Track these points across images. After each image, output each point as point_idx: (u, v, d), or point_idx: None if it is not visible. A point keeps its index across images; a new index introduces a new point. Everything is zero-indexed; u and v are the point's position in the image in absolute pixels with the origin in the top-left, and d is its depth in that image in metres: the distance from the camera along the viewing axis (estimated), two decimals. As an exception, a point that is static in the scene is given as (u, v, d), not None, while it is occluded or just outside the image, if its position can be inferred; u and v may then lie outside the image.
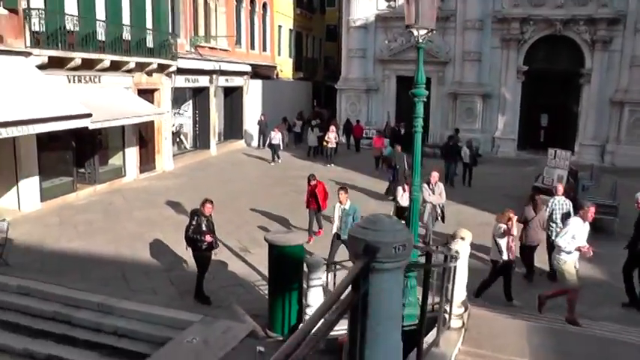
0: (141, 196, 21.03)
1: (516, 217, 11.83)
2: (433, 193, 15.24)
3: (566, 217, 12.88)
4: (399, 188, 15.78)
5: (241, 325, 10.71)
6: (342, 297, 3.30)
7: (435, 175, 15.45)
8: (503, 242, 11.47)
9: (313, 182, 15.95)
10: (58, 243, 15.48)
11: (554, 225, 13.23)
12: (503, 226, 11.45)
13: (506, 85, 33.32)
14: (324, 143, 29.03)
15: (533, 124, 34.34)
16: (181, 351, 9.76)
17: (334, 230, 13.31)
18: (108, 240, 15.77)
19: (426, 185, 15.07)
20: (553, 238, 12.34)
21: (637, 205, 11.98)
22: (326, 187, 16.63)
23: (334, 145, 28.57)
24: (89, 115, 17.21)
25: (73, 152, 20.33)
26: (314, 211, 15.98)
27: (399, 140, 26.71)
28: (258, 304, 11.43)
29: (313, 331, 2.98)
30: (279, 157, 28.64)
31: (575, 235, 10.31)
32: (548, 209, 13.47)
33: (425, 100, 8.70)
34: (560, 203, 13.57)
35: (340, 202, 13.26)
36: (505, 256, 11.51)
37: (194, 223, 11.59)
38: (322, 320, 3.07)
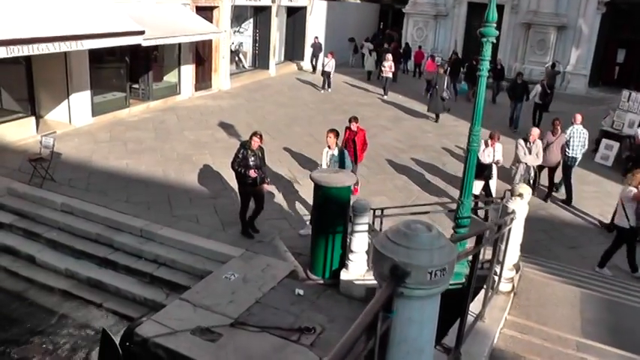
0: (194, 115, 20.66)
1: None
2: (529, 153, 13.40)
3: (582, 145, 14.68)
4: (482, 142, 13.02)
5: (282, 264, 10.35)
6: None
7: (534, 133, 13.56)
8: (631, 207, 10.51)
9: (354, 127, 13.61)
10: (106, 160, 15.33)
11: (569, 151, 14.54)
12: (634, 190, 10.48)
13: (584, 17, 31.21)
14: (380, 72, 27.80)
15: (609, 59, 32.34)
16: (219, 287, 9.44)
17: None
18: (156, 160, 15.54)
19: (522, 142, 13.47)
20: (568, 163, 14.52)
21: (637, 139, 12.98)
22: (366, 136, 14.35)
23: (389, 75, 26.82)
24: (141, 33, 16.68)
25: (126, 67, 19.95)
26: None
27: (457, 71, 28.13)
28: (302, 242, 11.03)
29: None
30: (329, 86, 27.10)
31: None
32: (566, 136, 14.61)
33: (494, 41, 7.77)
34: (579, 132, 14.75)
35: (329, 147, 11.96)
36: (633, 223, 10.55)
37: (240, 156, 11.06)
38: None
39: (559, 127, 14.52)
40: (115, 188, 13.48)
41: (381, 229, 10.05)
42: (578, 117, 15.02)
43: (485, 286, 6.93)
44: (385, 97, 26.29)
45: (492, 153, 12.95)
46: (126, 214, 12.17)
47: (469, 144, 8.28)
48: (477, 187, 12.26)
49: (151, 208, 12.57)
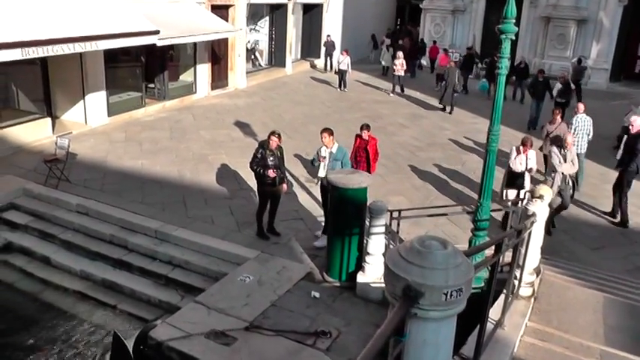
0: (210, 114, 20.60)
1: None
2: (565, 161, 12.19)
3: (587, 134, 14.87)
4: (513, 149, 12.42)
5: (298, 266, 10.24)
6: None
7: (569, 139, 12.42)
8: None
9: (365, 135, 12.60)
10: (121, 160, 15.33)
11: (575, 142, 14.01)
12: None
13: (605, 10, 30.73)
14: (392, 69, 27.41)
15: (630, 53, 31.85)
16: (234, 289, 9.36)
17: (321, 174, 11.40)
18: (171, 160, 15.51)
19: (555, 149, 12.25)
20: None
21: (631, 127, 13.03)
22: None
23: (400, 73, 26.16)
24: (156, 32, 16.64)
25: (142, 67, 19.95)
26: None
27: (469, 66, 28.64)
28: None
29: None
30: (345, 86, 26.60)
31: None
32: (572, 127, 14.68)
33: (513, 38, 7.58)
34: (583, 121, 14.93)
35: (325, 146, 11.34)
36: None
37: (258, 156, 10.95)
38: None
39: (558, 117, 14.73)
40: (130, 189, 13.47)
41: (398, 231, 9.91)
42: (581, 106, 15.41)
43: (504, 291, 6.76)
44: (391, 95, 25.86)
45: (525, 161, 12.13)
46: (141, 215, 12.15)
47: (488, 144, 8.08)
48: (510, 196, 11.95)
49: (165, 209, 12.53)
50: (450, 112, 22.75)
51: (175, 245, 11.28)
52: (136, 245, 11.43)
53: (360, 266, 9.48)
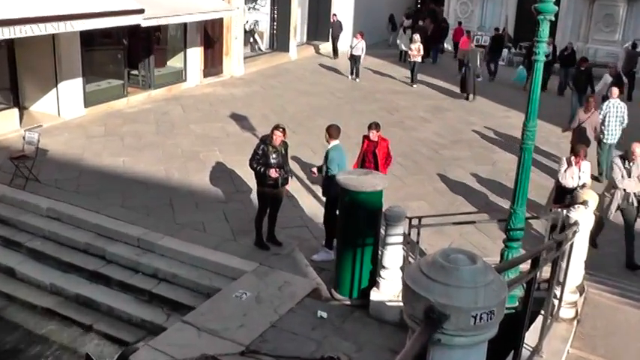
0: (202, 105, 20.64)
1: None
2: (629, 176, 11.43)
3: (620, 122, 15.42)
4: (563, 160, 11.92)
5: (302, 281, 10.25)
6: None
7: (636, 150, 11.42)
8: None
9: (374, 136, 12.07)
10: (100, 158, 15.36)
11: (604, 128, 15.34)
12: None
13: (660, -14, 30.68)
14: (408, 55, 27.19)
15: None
16: (228, 307, 9.38)
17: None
18: (157, 158, 15.54)
19: (618, 161, 11.54)
20: (604, 142, 15.39)
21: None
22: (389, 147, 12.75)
23: (417, 59, 25.81)
24: (141, 11, 16.66)
25: (124, 51, 19.97)
26: None
27: (498, 49, 28.94)
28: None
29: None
30: (357, 74, 26.42)
31: None
32: (601, 113, 15.34)
33: (552, 19, 7.51)
34: (615, 107, 15.45)
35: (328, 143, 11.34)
36: None
37: (259, 153, 10.93)
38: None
39: (593, 105, 15.38)
40: (109, 190, 13.47)
41: (418, 242, 9.86)
42: (615, 90, 16.07)
43: (543, 312, 6.71)
44: (414, 86, 25.76)
45: (577, 174, 11.65)
46: (121, 220, 12.14)
47: (523, 141, 8.02)
48: None
49: (150, 213, 12.53)
50: (468, 99, 23.06)
51: (161, 256, 11.26)
52: (115, 255, 11.42)
53: (373, 282, 9.46)
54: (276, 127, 11.08)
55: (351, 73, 26.51)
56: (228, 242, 11.51)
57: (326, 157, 11.11)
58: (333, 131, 11.19)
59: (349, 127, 17.08)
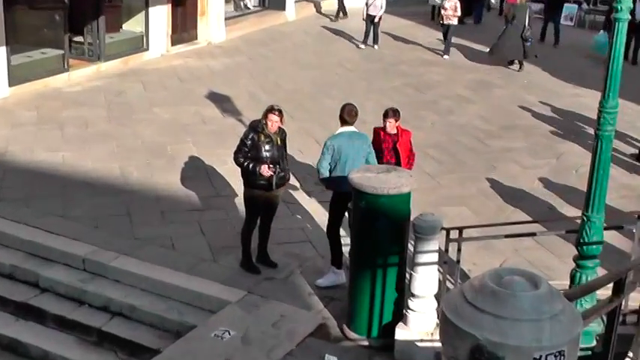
0: (169, 82, 20.86)
1: None
2: None
3: None
4: None
5: (304, 315, 10.27)
6: None
7: None
8: None
9: (391, 127, 11.81)
10: (31, 153, 15.48)
11: None
12: None
13: None
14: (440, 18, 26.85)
15: None
16: (204, 351, 9.42)
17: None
18: (109, 152, 15.65)
19: None
20: None
21: None
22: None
23: (452, 21, 25.55)
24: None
25: (64, 11, 20.01)
26: None
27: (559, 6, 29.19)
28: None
29: None
30: (376, 40, 26.39)
31: None
32: None
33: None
34: None
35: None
36: None
37: (248, 143, 10.92)
38: None
39: None
40: (44, 196, 13.52)
41: (458, 261, 9.82)
42: None
43: (631, 354, 6.70)
44: (446, 57, 25.69)
45: None
46: (60, 235, 12.15)
47: (600, 127, 7.97)
48: None
49: (100, 226, 12.58)
50: (511, 63, 23.35)
51: (114, 282, 11.27)
52: (51, 282, 11.41)
53: (399, 315, 9.47)
54: (271, 110, 11.02)
55: (366, 39, 26.51)
56: (205, 263, 11.53)
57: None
58: (343, 112, 11.19)
59: (365, 110, 17.05)
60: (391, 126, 11.79)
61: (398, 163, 11.58)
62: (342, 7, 30.90)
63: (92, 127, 16.95)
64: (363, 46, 26.41)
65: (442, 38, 26.19)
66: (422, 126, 17.29)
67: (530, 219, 12.39)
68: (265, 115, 11.00)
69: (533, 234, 11.09)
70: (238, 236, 11.40)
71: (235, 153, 11.12)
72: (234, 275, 11.14)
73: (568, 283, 8.62)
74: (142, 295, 10.95)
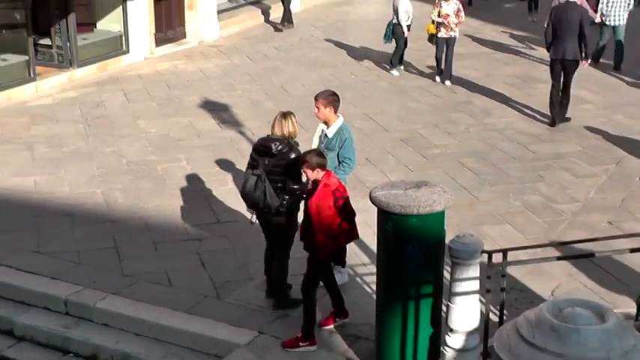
0: (155, 90, 20.91)
1: None
2: None
3: None
4: None
5: (325, 357, 10.29)
6: None
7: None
8: None
9: (313, 177, 10.26)
10: (-6, 176, 15.55)
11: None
12: None
13: None
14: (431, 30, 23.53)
15: None
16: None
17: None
18: (90, 176, 15.70)
19: None
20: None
21: None
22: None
23: (455, 32, 22.33)
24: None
25: (27, 10, 20.03)
26: None
27: None
28: (360, 314, 10.97)
29: None
30: (401, 62, 23.78)
31: None
32: None
33: None
34: None
35: (325, 124, 11.78)
36: None
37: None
38: None
39: None
40: (15, 229, 13.53)
41: (503, 290, 9.85)
42: None
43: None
44: (447, 83, 22.76)
45: None
46: (37, 274, 12.19)
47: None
48: None
49: (83, 261, 12.60)
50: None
51: (103, 326, 11.30)
52: (29, 329, 11.44)
53: (436, 354, 9.49)
54: (284, 116, 11.20)
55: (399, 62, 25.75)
56: (207, 301, 11.55)
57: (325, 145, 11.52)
58: (332, 104, 11.51)
59: (387, 115, 17.19)
60: (313, 175, 10.26)
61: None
62: (288, 13, 28.87)
63: (67, 146, 17.00)
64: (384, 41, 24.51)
65: (435, 62, 22.96)
66: (454, 131, 17.33)
67: (585, 237, 12.32)
68: (275, 124, 11.22)
69: (591, 254, 11.13)
70: (244, 268, 11.49)
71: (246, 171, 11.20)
72: (242, 314, 11.12)
73: (635, 311, 8.64)
74: (135, 341, 10.96)
